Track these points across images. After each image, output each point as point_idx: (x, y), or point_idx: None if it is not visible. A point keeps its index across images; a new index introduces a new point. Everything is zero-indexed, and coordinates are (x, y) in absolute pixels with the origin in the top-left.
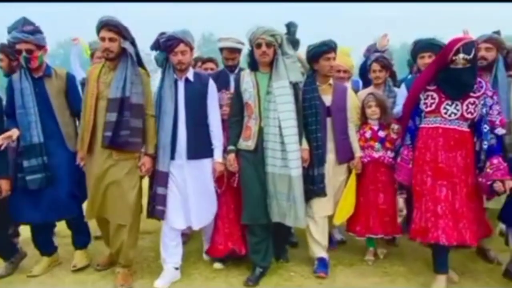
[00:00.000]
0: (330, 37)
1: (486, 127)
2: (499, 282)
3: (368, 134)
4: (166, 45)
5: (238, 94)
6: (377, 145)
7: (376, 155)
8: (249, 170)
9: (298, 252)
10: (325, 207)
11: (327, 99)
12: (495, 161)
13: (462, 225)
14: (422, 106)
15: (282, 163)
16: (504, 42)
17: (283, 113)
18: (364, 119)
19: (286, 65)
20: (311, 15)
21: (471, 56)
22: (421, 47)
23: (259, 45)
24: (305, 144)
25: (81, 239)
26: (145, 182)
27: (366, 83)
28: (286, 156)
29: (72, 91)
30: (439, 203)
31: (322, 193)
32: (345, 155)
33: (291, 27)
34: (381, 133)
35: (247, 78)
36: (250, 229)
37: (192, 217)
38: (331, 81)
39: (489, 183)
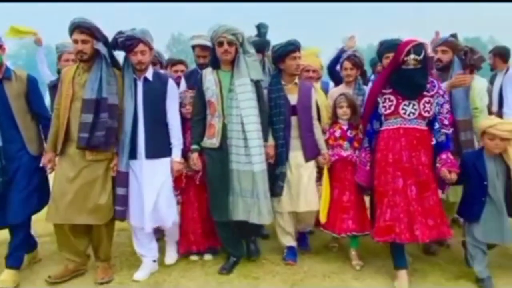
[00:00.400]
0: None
1: (436, 125)
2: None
3: (337, 133)
4: (125, 44)
5: (200, 93)
6: (346, 144)
7: (344, 154)
8: (215, 168)
9: (269, 242)
10: (290, 203)
11: (293, 98)
12: (443, 156)
13: (433, 221)
14: (381, 109)
15: (246, 160)
16: (459, 44)
17: (245, 110)
18: (334, 119)
19: (248, 63)
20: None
21: (421, 57)
22: (386, 47)
23: (220, 44)
24: (271, 141)
25: (15, 257)
26: None
27: (337, 83)
28: (249, 152)
29: (33, 94)
30: (406, 202)
31: (279, 192)
32: (312, 152)
33: (261, 28)
34: (350, 133)
35: (209, 76)
36: (218, 224)
37: (146, 218)
38: (296, 80)
39: (443, 176)
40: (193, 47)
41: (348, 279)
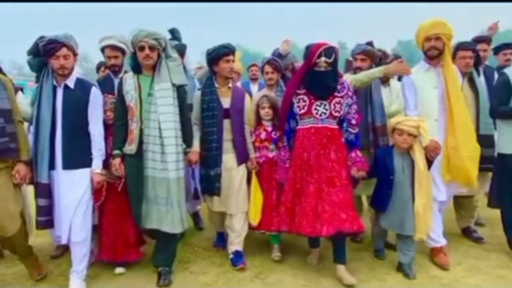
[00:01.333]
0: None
1: (345, 124)
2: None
3: (263, 135)
4: (47, 49)
5: (120, 97)
6: (271, 145)
7: (270, 155)
8: (132, 174)
9: (202, 232)
10: (220, 204)
11: (226, 101)
12: (353, 154)
13: (337, 215)
14: (296, 109)
15: (162, 166)
16: (375, 52)
17: (163, 115)
18: (258, 120)
19: (170, 68)
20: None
21: (332, 59)
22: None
23: (142, 48)
24: (196, 146)
25: None
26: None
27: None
28: (166, 159)
29: None
30: (311, 198)
31: (217, 192)
32: (243, 156)
33: (175, 33)
34: (275, 134)
35: (129, 81)
36: (144, 231)
37: (62, 230)
38: (230, 84)
39: (353, 174)
40: (103, 49)
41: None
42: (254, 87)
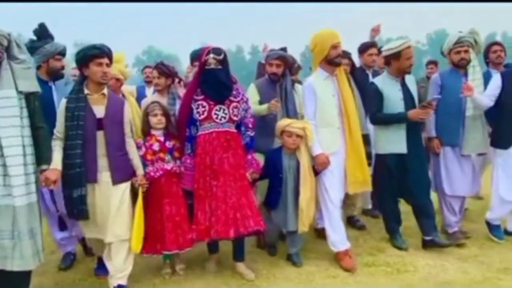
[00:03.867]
0: None
1: (243, 128)
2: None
3: (155, 146)
4: None
5: None
6: (167, 156)
7: (168, 166)
8: None
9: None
10: (96, 230)
11: (99, 110)
12: (249, 157)
13: (241, 216)
14: (196, 115)
15: (4, 191)
16: (288, 58)
17: (5, 129)
18: (148, 129)
19: (15, 71)
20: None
21: (221, 57)
22: (193, 56)
23: None
24: (56, 163)
25: None
26: None
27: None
28: (10, 182)
29: None
30: (220, 202)
31: (84, 216)
32: (123, 173)
33: (42, 32)
34: (169, 144)
35: None
36: None
37: None
38: (105, 90)
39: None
40: None
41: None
42: (149, 91)
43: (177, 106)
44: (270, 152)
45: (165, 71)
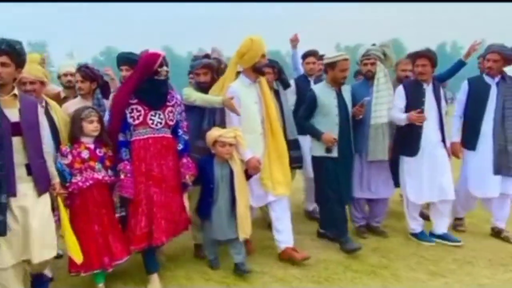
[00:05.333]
0: None
1: (180, 131)
2: None
3: (84, 154)
4: None
5: None
6: (97, 165)
7: (99, 176)
8: None
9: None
10: (17, 251)
11: (13, 114)
12: (184, 160)
13: (179, 221)
14: (130, 120)
15: None
16: (214, 64)
17: None
18: (77, 136)
19: None
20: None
21: (168, 68)
22: (122, 60)
23: None
24: None
25: None
26: None
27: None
28: None
29: None
30: (159, 208)
31: (2, 232)
32: (46, 183)
33: None
34: (100, 152)
35: None
36: None
37: None
38: (16, 91)
39: (183, 180)
40: None
41: None
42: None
43: (102, 113)
44: (201, 161)
45: (89, 74)
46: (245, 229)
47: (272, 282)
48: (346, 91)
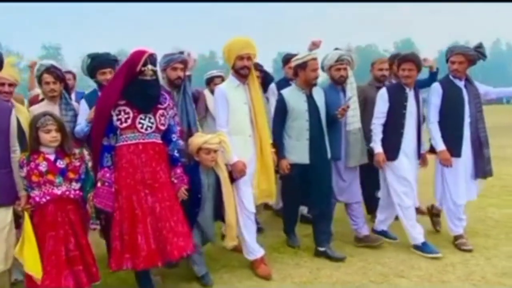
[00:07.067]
0: None
1: (174, 136)
2: None
3: (42, 166)
4: None
5: None
6: (58, 179)
7: (58, 191)
8: None
9: None
10: None
11: None
12: (178, 170)
13: (187, 234)
14: (116, 123)
15: None
16: (188, 62)
17: None
18: (35, 145)
19: None
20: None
21: (156, 67)
22: (100, 62)
23: None
24: None
25: None
26: None
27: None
28: None
29: None
30: (155, 220)
31: None
32: (8, 195)
33: None
34: (61, 163)
35: None
36: None
37: None
38: None
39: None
40: None
41: None
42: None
43: (72, 113)
44: (187, 170)
45: (60, 75)
46: (233, 236)
47: None
48: (318, 93)
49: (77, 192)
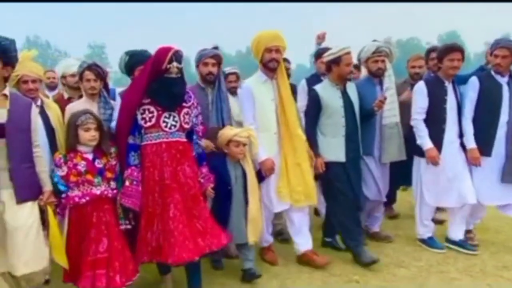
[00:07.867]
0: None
1: (195, 136)
2: None
3: (81, 166)
4: None
5: None
6: (96, 179)
7: (97, 191)
8: None
9: None
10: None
11: (1, 114)
12: (204, 170)
13: (213, 232)
14: (141, 122)
15: None
16: (222, 57)
17: None
18: (74, 144)
19: None
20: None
21: (182, 65)
22: (137, 60)
23: None
24: None
25: None
26: None
27: None
28: None
29: None
30: (176, 221)
31: None
32: (30, 190)
33: None
34: (99, 163)
35: None
36: None
37: None
38: (6, 91)
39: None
40: None
41: None
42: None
43: (110, 111)
44: (213, 162)
45: (101, 73)
46: (256, 233)
47: None
48: (352, 89)
49: (115, 191)
